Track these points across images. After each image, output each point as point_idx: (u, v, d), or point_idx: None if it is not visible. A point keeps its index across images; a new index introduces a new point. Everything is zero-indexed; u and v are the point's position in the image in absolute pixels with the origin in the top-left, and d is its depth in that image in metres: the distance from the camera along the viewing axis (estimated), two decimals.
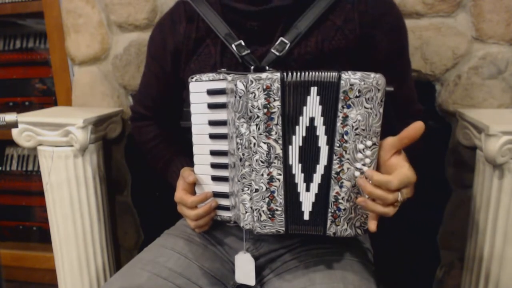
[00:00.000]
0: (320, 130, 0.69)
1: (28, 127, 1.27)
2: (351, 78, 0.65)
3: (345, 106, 0.66)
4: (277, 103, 0.69)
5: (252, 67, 0.79)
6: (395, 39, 0.82)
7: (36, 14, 1.56)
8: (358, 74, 0.65)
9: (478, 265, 1.13)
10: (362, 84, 0.65)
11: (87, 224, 1.33)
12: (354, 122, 0.66)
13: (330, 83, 0.67)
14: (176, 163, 0.94)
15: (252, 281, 0.83)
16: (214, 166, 0.80)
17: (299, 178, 0.71)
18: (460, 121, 1.20)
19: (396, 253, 1.33)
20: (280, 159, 0.70)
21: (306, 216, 0.72)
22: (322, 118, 0.68)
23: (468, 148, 1.21)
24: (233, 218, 0.79)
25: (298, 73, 0.68)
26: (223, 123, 0.76)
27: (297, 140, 0.70)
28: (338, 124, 0.67)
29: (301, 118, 0.69)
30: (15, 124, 0.75)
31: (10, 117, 0.75)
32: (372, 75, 0.65)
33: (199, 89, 0.77)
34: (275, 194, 0.71)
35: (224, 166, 0.78)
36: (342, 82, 0.66)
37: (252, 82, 0.69)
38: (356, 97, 0.65)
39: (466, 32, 1.19)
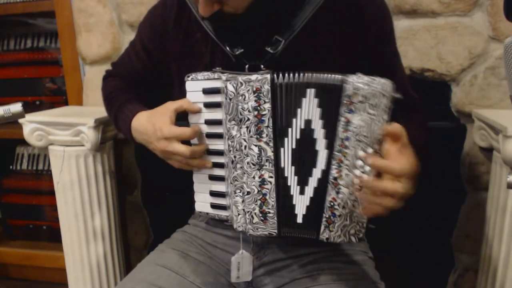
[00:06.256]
0: (319, 133, 0.67)
1: (40, 127, 1.28)
2: (355, 82, 0.63)
3: (347, 111, 0.64)
4: (267, 105, 0.67)
5: (247, 66, 0.77)
6: (381, 26, 0.82)
7: (47, 14, 1.56)
8: (364, 78, 0.63)
9: (494, 269, 1.11)
10: (367, 88, 0.62)
11: (97, 223, 1.33)
12: (355, 128, 0.64)
13: (332, 85, 0.65)
14: (130, 107, 0.88)
15: (249, 277, 0.83)
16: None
17: (292, 181, 0.70)
18: (476, 121, 1.18)
19: (410, 256, 1.31)
20: (272, 161, 0.69)
21: (299, 219, 0.71)
22: (321, 121, 0.66)
23: (484, 149, 1.19)
24: (230, 217, 0.78)
25: (291, 74, 0.67)
26: (219, 122, 0.75)
27: (290, 143, 0.69)
28: (339, 128, 0.65)
29: (294, 120, 0.68)
30: (21, 115, 0.72)
31: (15, 107, 0.72)
32: (378, 79, 0.62)
33: (195, 88, 0.76)
34: (267, 197, 0.70)
35: (221, 166, 0.77)
36: (346, 85, 0.63)
37: (242, 84, 0.68)
38: (360, 102, 0.63)
39: (482, 31, 1.17)
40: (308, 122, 0.67)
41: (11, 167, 1.81)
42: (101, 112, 1.32)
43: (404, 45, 1.21)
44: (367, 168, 0.64)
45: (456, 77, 1.21)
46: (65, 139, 1.27)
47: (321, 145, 0.67)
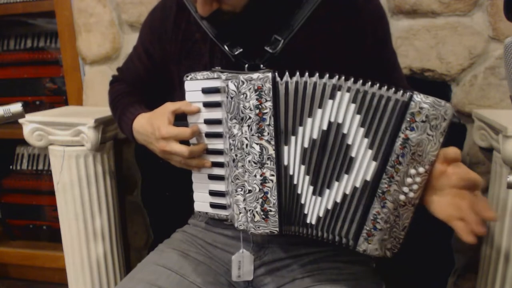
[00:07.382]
0: (357, 141, 0.66)
1: (40, 127, 1.28)
2: (422, 101, 0.63)
3: (408, 128, 0.63)
4: (269, 104, 0.67)
5: (246, 65, 0.78)
6: (378, 28, 0.82)
7: (47, 14, 1.56)
8: (430, 98, 0.63)
9: (494, 269, 1.11)
10: (432, 110, 0.62)
11: (97, 223, 1.33)
12: (413, 146, 0.63)
13: (395, 99, 0.64)
14: (132, 110, 0.90)
15: (250, 276, 0.82)
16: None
17: (301, 180, 0.70)
18: (476, 121, 1.18)
19: (410, 256, 1.31)
20: (273, 159, 0.69)
21: (311, 220, 0.71)
22: (362, 129, 0.66)
23: (484, 149, 1.19)
24: (229, 217, 0.78)
25: (306, 74, 0.67)
26: (218, 121, 0.75)
27: (299, 142, 0.69)
28: (397, 144, 0.64)
29: (310, 119, 0.67)
30: (21, 115, 0.72)
31: (15, 107, 0.72)
32: (443, 103, 0.62)
33: (194, 87, 0.76)
34: (269, 195, 0.70)
35: (220, 165, 0.77)
36: (412, 103, 0.63)
37: (243, 83, 0.68)
38: (422, 122, 0.63)
39: (482, 31, 1.17)
40: (335, 125, 0.67)
41: (11, 167, 1.80)
42: (101, 112, 1.32)
43: (404, 45, 1.21)
44: (415, 187, 0.64)
45: (456, 77, 1.21)
46: (65, 139, 1.27)
47: (361, 154, 0.66)
